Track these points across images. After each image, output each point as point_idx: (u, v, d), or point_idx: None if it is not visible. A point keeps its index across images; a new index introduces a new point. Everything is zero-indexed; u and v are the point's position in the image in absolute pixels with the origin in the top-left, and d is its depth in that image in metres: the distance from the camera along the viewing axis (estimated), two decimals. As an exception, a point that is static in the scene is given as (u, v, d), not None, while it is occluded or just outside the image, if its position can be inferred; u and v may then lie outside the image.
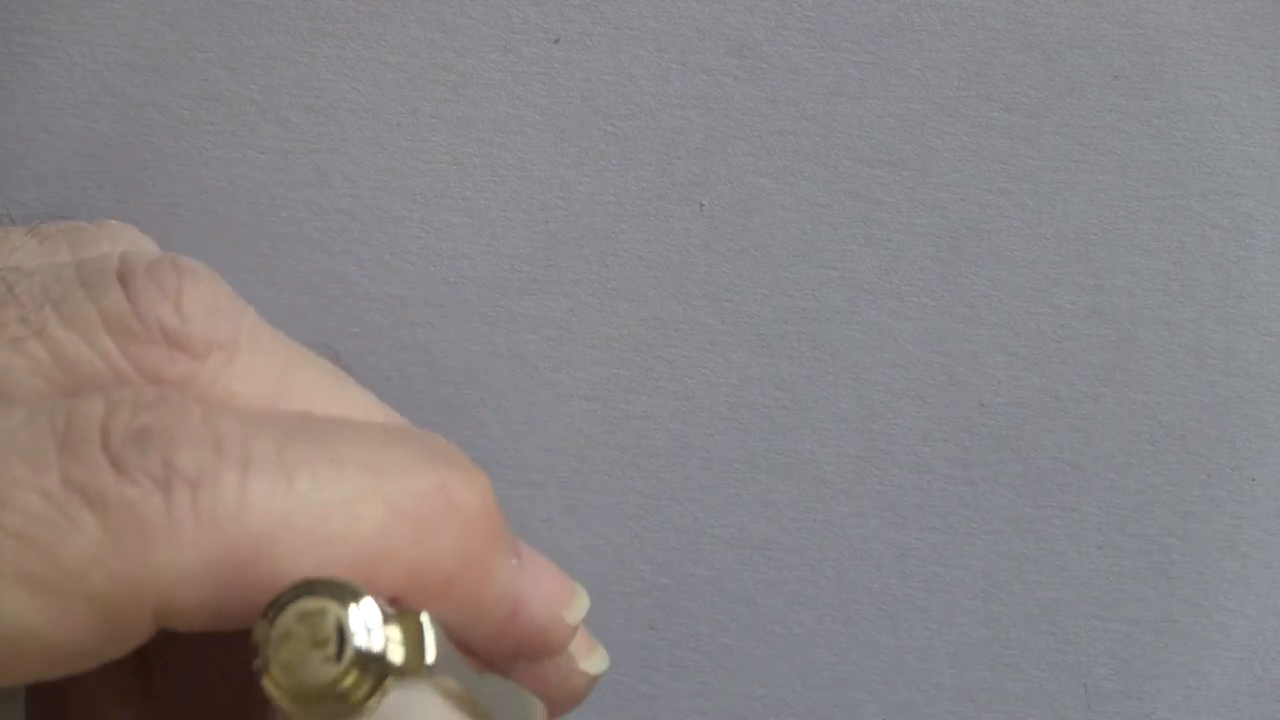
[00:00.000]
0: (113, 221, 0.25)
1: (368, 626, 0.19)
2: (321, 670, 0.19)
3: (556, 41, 0.30)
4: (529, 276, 0.31)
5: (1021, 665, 0.32)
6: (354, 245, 0.31)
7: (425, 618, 0.20)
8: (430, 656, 0.20)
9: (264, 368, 0.22)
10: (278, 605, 0.19)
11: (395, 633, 0.19)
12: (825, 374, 0.31)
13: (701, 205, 0.31)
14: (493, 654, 0.23)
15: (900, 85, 0.30)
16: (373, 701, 0.19)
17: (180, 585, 0.19)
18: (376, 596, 0.19)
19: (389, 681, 0.19)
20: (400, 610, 0.20)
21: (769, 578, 0.31)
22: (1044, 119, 0.30)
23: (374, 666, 0.19)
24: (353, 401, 0.23)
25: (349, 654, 0.19)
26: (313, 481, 0.20)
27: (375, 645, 0.19)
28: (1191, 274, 0.31)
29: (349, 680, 0.19)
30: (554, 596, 0.23)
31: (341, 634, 0.19)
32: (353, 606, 0.19)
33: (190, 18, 0.30)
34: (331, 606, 0.19)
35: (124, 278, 0.22)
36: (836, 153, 0.31)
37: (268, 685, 0.19)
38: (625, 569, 0.32)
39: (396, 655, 0.19)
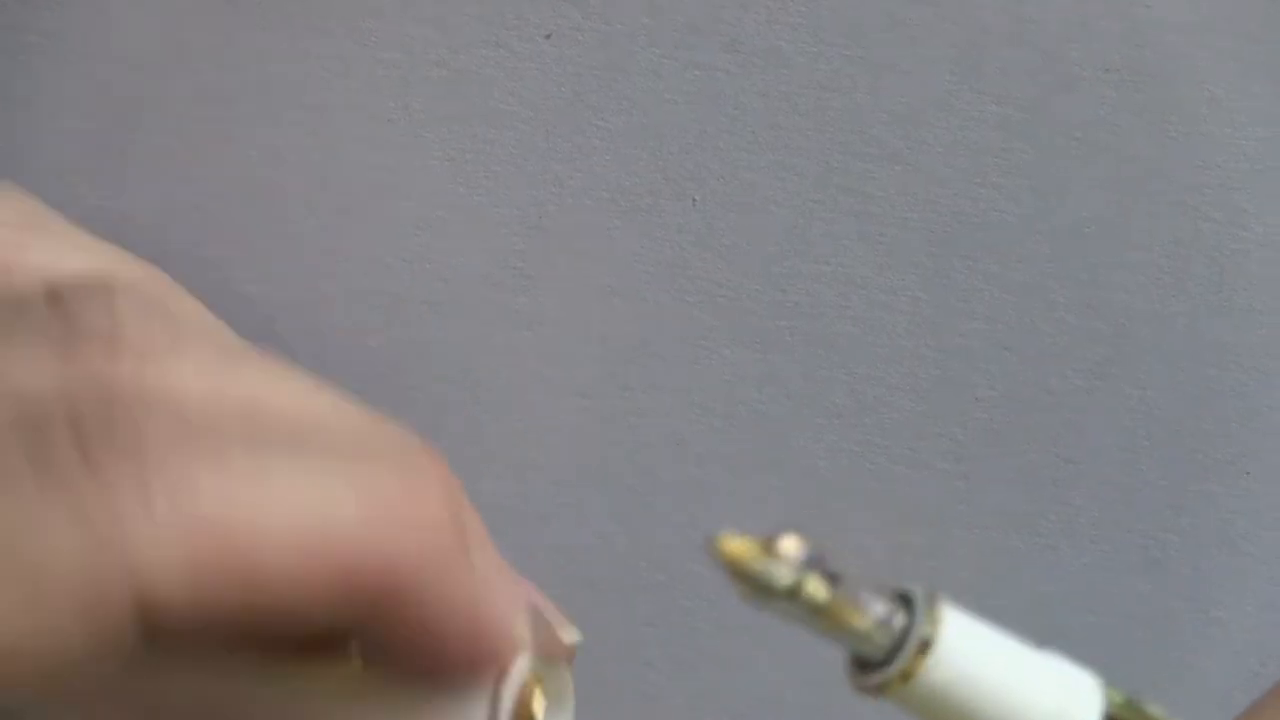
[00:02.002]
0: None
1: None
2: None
3: (548, 37, 0.30)
4: (522, 273, 0.31)
5: (1017, 660, 0.32)
6: (348, 242, 0.31)
7: None
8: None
9: (209, 362, 0.22)
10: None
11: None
12: (819, 369, 0.31)
13: (694, 200, 0.31)
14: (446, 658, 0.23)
15: (892, 80, 0.30)
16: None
17: (158, 577, 0.19)
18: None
19: None
20: None
21: (762, 572, 0.31)
22: (1037, 113, 0.30)
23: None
24: (305, 392, 0.23)
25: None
26: (287, 477, 0.20)
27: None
28: (1185, 267, 0.31)
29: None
30: (507, 612, 0.23)
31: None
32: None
33: (183, 17, 0.30)
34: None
35: (52, 299, 0.22)
36: (829, 147, 0.31)
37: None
38: (621, 565, 0.32)
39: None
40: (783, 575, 0.21)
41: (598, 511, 0.32)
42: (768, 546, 0.21)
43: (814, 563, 0.21)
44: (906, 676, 0.21)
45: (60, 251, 0.23)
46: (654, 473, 0.31)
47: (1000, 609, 0.32)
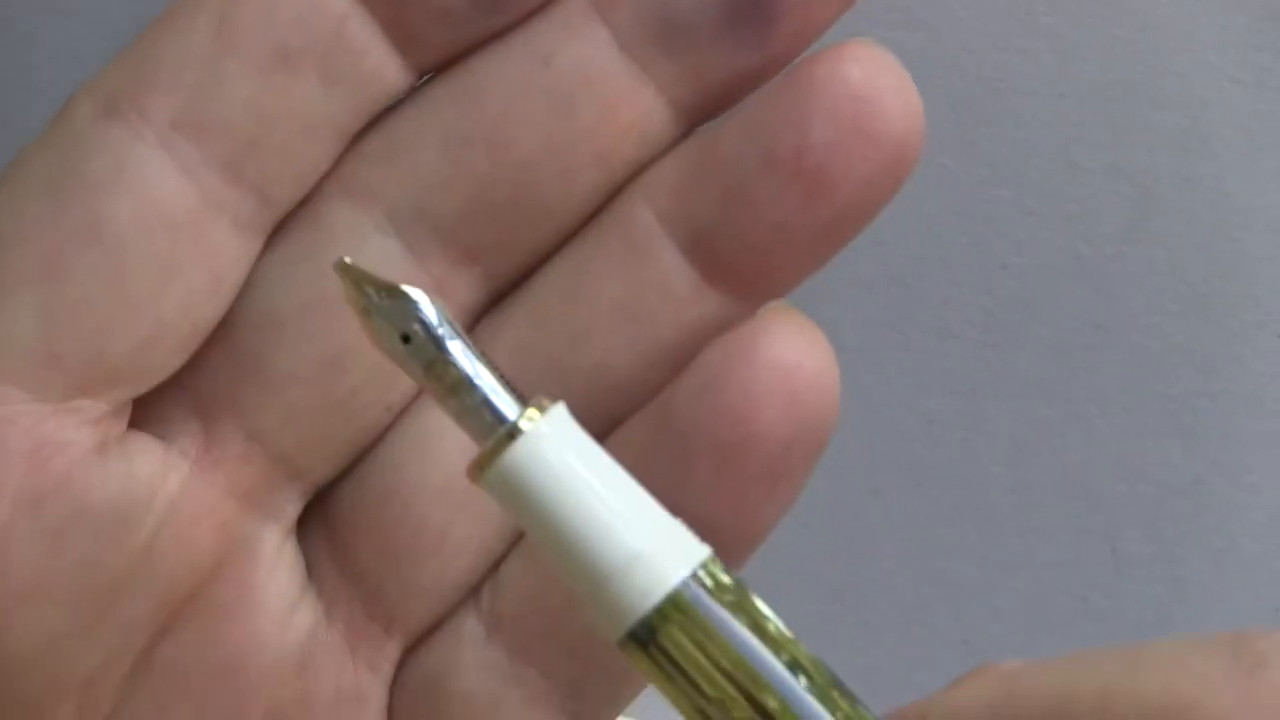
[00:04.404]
0: None
1: None
2: None
3: None
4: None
5: (1050, 530, 0.32)
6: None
7: None
8: None
9: None
10: None
11: None
12: (845, 239, 0.31)
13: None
14: None
15: (915, -58, 0.30)
16: None
17: None
18: None
19: None
20: None
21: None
22: (1060, -26, 0.30)
23: None
24: None
25: None
26: None
27: None
28: (1212, 129, 0.31)
29: None
30: None
31: None
32: None
33: None
34: None
35: None
36: (851, 18, 0.30)
37: None
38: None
39: None
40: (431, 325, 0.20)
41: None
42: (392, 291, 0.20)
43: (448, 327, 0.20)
44: (482, 464, 0.20)
45: None
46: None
47: (1033, 480, 0.32)
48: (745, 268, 0.23)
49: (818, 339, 0.22)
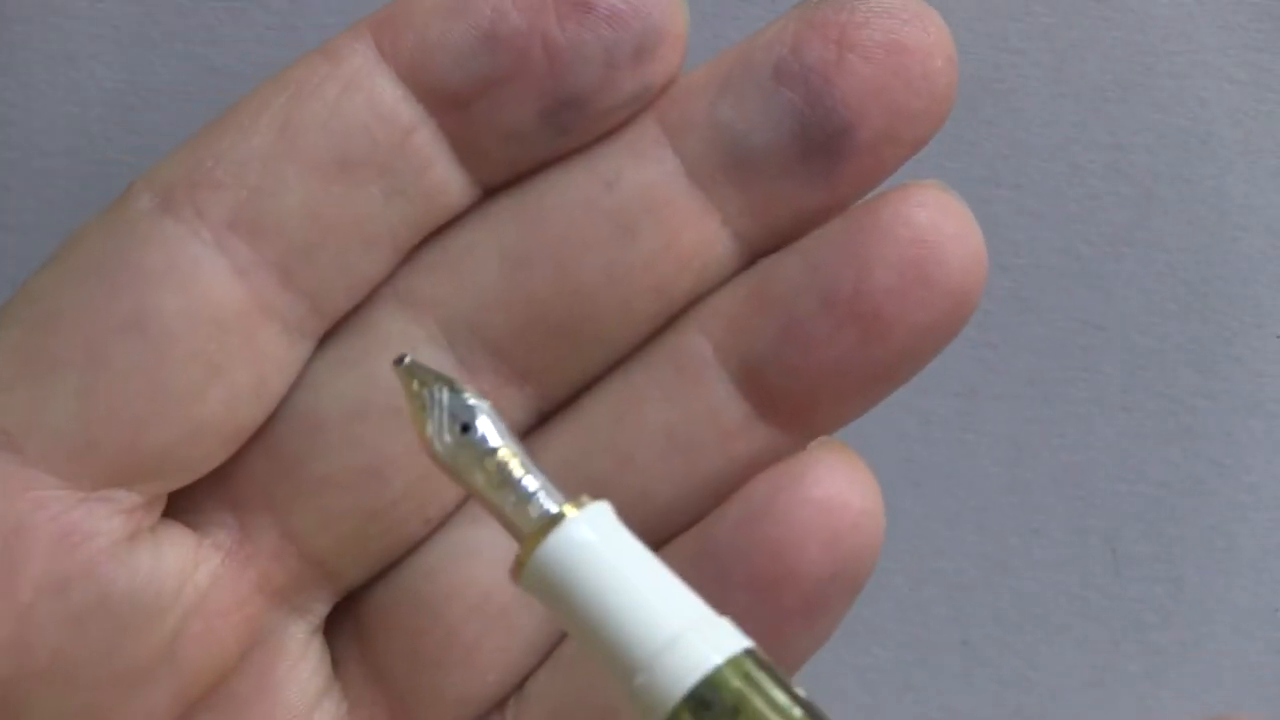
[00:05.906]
0: None
1: None
2: None
3: None
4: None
5: (1048, 530, 0.32)
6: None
7: None
8: None
9: None
10: None
11: None
12: (844, 239, 0.31)
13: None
14: None
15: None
16: None
17: None
18: None
19: None
20: None
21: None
22: (1059, -26, 0.30)
23: None
24: None
25: None
26: None
27: None
28: (1210, 129, 0.30)
29: None
30: None
31: None
32: None
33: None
34: None
35: None
36: (850, 16, 0.30)
37: None
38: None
39: None
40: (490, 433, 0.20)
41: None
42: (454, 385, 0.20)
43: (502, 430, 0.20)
44: (523, 559, 0.20)
45: None
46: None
47: (1031, 480, 0.32)
48: (796, 403, 0.23)
49: (865, 478, 0.22)
